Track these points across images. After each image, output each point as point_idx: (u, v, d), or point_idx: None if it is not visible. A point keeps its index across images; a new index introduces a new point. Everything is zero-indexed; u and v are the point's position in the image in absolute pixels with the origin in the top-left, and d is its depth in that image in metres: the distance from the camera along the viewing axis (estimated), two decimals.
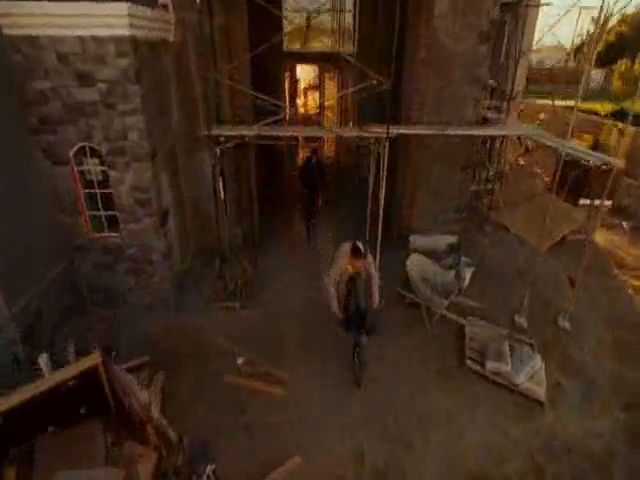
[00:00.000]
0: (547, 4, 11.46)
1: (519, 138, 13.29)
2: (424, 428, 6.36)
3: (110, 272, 7.14)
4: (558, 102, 17.03)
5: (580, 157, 7.27)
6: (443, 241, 10.00)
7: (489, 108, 9.99)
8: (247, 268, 8.21)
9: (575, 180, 10.25)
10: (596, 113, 20.17)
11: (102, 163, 6.65)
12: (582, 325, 8.49)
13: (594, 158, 7.08)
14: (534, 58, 29.65)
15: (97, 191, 6.75)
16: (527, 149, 16.08)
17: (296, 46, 16.82)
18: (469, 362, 7.24)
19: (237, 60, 7.61)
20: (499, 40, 11.09)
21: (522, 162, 15.24)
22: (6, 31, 5.90)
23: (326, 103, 15.80)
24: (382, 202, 8.19)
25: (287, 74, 15.60)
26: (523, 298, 8.46)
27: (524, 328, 8.24)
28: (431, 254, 10.01)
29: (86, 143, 6.52)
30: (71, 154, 6.51)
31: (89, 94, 6.24)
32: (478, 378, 7.12)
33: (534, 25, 13.68)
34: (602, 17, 7.49)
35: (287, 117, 7.69)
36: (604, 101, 22.77)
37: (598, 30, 8.38)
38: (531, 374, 6.99)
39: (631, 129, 14.91)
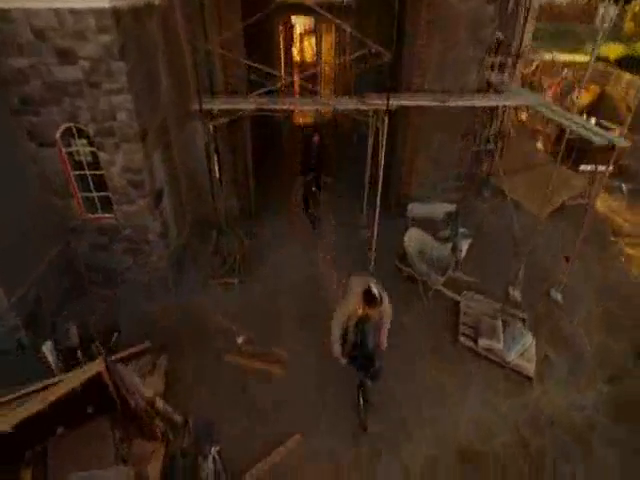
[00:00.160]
0: None
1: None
2: (418, 405, 6.68)
3: (107, 252, 7.10)
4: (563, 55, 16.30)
5: (584, 135, 7.04)
6: (441, 209, 9.92)
7: (493, 67, 9.48)
8: (244, 241, 8.18)
9: (577, 146, 10.05)
10: (605, 59, 19.28)
11: (91, 144, 6.38)
12: (574, 297, 8.66)
13: (599, 139, 6.85)
14: None
15: (87, 173, 6.54)
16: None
17: None
18: (462, 339, 7.46)
19: (228, 22, 7.09)
20: None
21: (524, 118, 14.76)
22: None
23: (323, 57, 14.92)
24: (381, 174, 8.02)
25: (281, 27, 14.58)
26: (518, 270, 8.58)
27: (518, 301, 8.40)
28: (429, 223, 10.00)
29: (72, 124, 6.21)
30: (57, 135, 6.22)
31: (71, 72, 5.84)
32: (471, 355, 7.36)
33: None
34: None
35: (283, 86, 7.28)
36: (615, 42, 21.66)
37: None
38: (522, 351, 7.23)
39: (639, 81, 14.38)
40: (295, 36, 18.45)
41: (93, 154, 6.44)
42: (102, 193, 6.75)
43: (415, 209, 9.68)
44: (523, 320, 7.90)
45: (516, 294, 8.46)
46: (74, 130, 6.29)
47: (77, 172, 6.54)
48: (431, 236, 8.66)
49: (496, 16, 8.07)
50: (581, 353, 7.69)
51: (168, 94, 7.58)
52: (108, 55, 5.77)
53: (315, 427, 6.14)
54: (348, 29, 7.27)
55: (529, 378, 7.09)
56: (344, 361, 5.70)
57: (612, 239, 10.36)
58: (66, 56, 5.76)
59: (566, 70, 16.60)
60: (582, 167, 10.66)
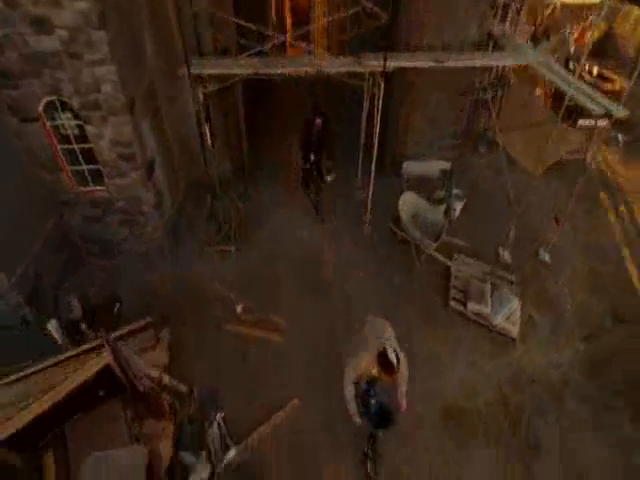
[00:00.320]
0: None
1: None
2: (409, 368, 7.12)
3: (101, 224, 7.08)
4: None
5: (582, 103, 6.88)
6: (437, 167, 9.84)
7: (495, 14, 8.92)
8: (239, 207, 8.14)
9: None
10: None
11: (76, 117, 6.11)
12: (561, 257, 8.91)
13: (597, 108, 6.69)
14: None
15: (75, 147, 6.33)
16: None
17: None
18: (453, 303, 7.78)
19: None
20: None
21: None
22: None
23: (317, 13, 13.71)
24: (376, 136, 7.84)
25: None
26: (509, 231, 8.73)
27: (507, 263, 8.64)
28: (424, 181, 9.97)
29: (55, 97, 5.90)
30: (40, 109, 5.94)
31: (49, 43, 5.44)
32: (461, 319, 7.71)
33: None
34: None
35: (275, 46, 6.84)
36: None
37: None
38: (508, 315, 7.59)
39: None
40: None
41: (80, 127, 6.20)
42: (92, 166, 6.59)
43: (410, 167, 9.60)
44: (511, 282, 8.21)
45: (506, 255, 8.69)
46: (57, 103, 6.00)
47: (64, 146, 6.33)
48: (425, 199, 8.69)
49: None
50: (563, 313, 8.10)
51: (154, 59, 7.13)
52: (87, 24, 5.36)
53: (313, 391, 6.61)
54: None
55: (513, 339, 7.53)
56: (359, 420, 5.34)
57: (603, 195, 10.47)
58: (41, 25, 5.33)
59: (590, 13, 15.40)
60: (581, 122, 10.44)
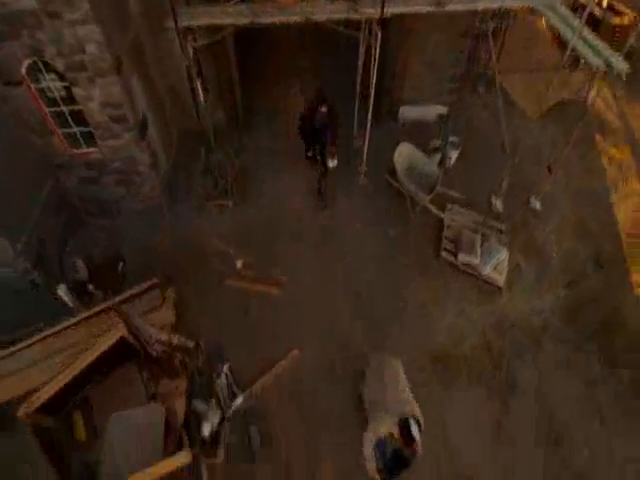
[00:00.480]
0: None
1: None
2: (401, 317, 7.58)
3: (98, 185, 7.05)
4: None
5: (582, 55, 6.64)
6: (434, 111, 9.63)
7: None
8: (235, 162, 8.04)
9: None
10: None
11: (62, 78, 5.83)
12: (552, 204, 9.08)
13: (596, 60, 6.49)
14: None
15: (64, 109, 6.11)
16: None
17: None
18: (444, 254, 8.08)
19: None
20: None
21: None
22: None
23: None
24: (373, 85, 7.57)
25: None
26: (502, 180, 8.80)
27: (499, 211, 8.83)
28: (421, 126, 9.79)
29: (36, 58, 5.59)
30: (23, 71, 5.65)
31: (24, 1, 5.06)
32: (451, 270, 8.05)
33: None
34: None
35: None
36: None
37: None
38: (495, 265, 7.94)
39: None
40: None
41: (67, 89, 5.95)
42: (84, 128, 6.42)
43: (406, 112, 9.38)
44: (500, 231, 8.47)
45: (498, 204, 8.85)
46: (40, 65, 5.70)
47: (52, 109, 6.12)
48: (421, 149, 8.63)
49: None
50: (549, 261, 8.47)
51: (138, 10, 6.62)
52: None
53: (311, 341, 7.11)
54: None
55: (499, 288, 7.97)
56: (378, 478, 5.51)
57: (599, 138, 10.39)
58: None
59: None
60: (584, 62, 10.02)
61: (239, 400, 6.37)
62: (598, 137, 10.46)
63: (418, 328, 7.48)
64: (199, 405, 6.07)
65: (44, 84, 5.93)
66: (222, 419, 6.09)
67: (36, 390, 5.36)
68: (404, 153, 8.22)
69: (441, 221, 8.43)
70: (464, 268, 7.93)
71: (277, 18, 6.37)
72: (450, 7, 7.04)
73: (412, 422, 5.34)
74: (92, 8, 5.26)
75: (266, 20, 6.35)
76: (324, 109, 7.80)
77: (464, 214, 8.51)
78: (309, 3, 6.57)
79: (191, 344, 6.35)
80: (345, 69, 9.19)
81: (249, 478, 5.92)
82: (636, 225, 9.16)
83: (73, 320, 6.01)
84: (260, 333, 6.97)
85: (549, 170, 8.61)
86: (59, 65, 5.65)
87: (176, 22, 6.10)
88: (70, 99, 6.11)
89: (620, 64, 6.68)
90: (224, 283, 7.20)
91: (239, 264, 7.31)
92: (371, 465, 5.50)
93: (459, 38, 8.29)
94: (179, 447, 4.91)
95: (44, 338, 5.85)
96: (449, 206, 8.56)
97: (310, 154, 8.31)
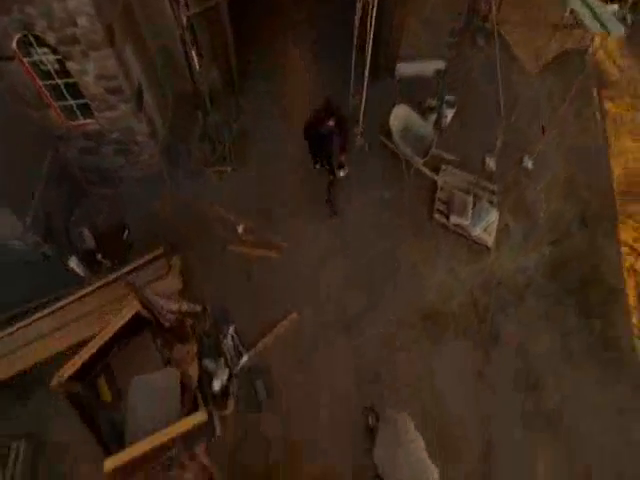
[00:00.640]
0: None
1: None
2: (394, 277, 8.01)
3: (97, 155, 7.07)
4: None
5: (579, 18, 6.52)
6: (431, 67, 9.43)
7: None
8: (232, 125, 7.97)
9: None
10: None
11: (55, 52, 5.68)
12: (544, 163, 9.23)
13: (594, 25, 6.38)
14: None
15: (59, 81, 6.00)
16: None
17: None
18: (437, 215, 8.35)
19: None
20: None
21: None
22: None
23: None
24: (370, 43, 7.38)
25: None
26: (496, 140, 8.87)
27: (492, 171, 8.99)
28: (418, 82, 9.61)
29: (27, 32, 5.41)
30: (14, 46, 5.49)
31: None
32: (443, 231, 8.35)
33: None
34: None
35: None
36: None
37: None
38: (485, 227, 8.26)
39: None
40: None
41: (60, 62, 5.82)
42: (80, 101, 6.35)
43: (403, 68, 9.20)
44: (492, 192, 8.70)
45: (491, 164, 8.99)
46: (31, 39, 5.53)
47: (47, 82, 6.01)
48: (417, 108, 8.59)
49: None
50: (536, 220, 8.80)
51: None
52: None
53: (309, 304, 7.56)
54: None
55: (488, 248, 8.37)
56: None
57: (596, 92, 10.30)
58: None
59: None
60: None
61: (245, 358, 6.96)
62: (596, 90, 10.39)
63: (410, 287, 7.95)
64: (209, 364, 6.63)
65: (36, 58, 5.79)
66: (230, 375, 6.69)
67: (56, 356, 5.96)
68: (400, 115, 8.22)
69: (435, 183, 8.63)
70: (455, 229, 8.27)
71: None
72: None
73: None
74: None
75: None
76: (332, 123, 7.24)
77: (457, 175, 8.69)
78: None
79: (198, 309, 6.80)
80: (342, 22, 8.83)
81: (256, 426, 6.67)
82: (625, 183, 9.45)
83: (85, 290, 6.39)
84: (262, 297, 7.41)
85: (543, 131, 8.68)
86: (50, 39, 5.49)
87: None
88: (64, 72, 5.99)
89: (617, 29, 6.58)
90: (227, 249, 7.51)
91: (240, 229, 7.58)
92: None
93: None
94: (195, 407, 5.50)
95: (59, 308, 6.26)
96: (443, 167, 8.71)
97: (318, 165, 7.82)
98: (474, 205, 8.31)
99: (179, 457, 5.53)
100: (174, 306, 6.00)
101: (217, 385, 6.46)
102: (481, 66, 10.09)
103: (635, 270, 8.60)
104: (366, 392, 7.01)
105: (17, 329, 6.12)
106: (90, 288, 6.34)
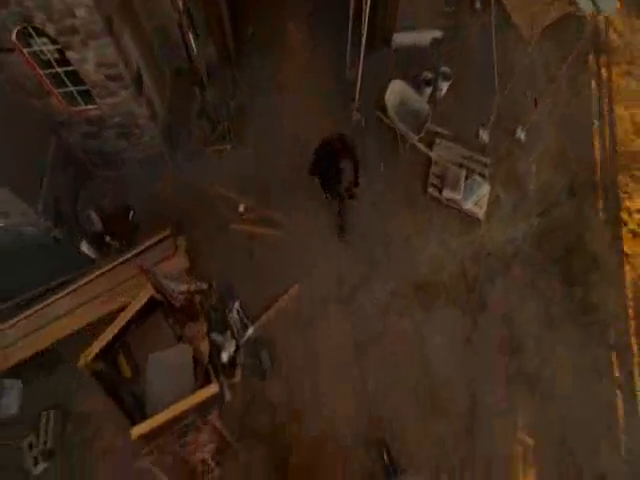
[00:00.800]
0: None
1: None
2: (388, 250, 8.40)
3: (100, 139, 7.18)
4: None
5: None
6: (428, 36, 9.34)
7: None
8: (230, 103, 7.99)
9: None
10: None
11: (54, 42, 5.68)
12: (536, 134, 9.38)
13: (587, 6, 6.40)
14: None
15: (59, 70, 6.02)
16: None
17: None
18: (430, 189, 8.63)
19: None
20: None
21: None
22: None
23: None
24: (366, 13, 7.31)
25: None
26: (491, 112, 8.98)
27: (485, 143, 9.15)
28: (415, 52, 9.52)
29: (26, 24, 5.39)
30: (13, 38, 5.49)
31: None
32: (436, 204, 8.66)
33: None
34: None
35: None
36: None
37: None
38: (476, 200, 8.56)
39: None
40: None
41: (60, 51, 5.83)
42: (81, 87, 6.39)
43: (400, 38, 9.10)
44: (484, 165, 8.92)
45: (485, 136, 9.14)
46: (30, 30, 5.52)
47: (47, 71, 6.04)
48: (413, 84, 8.62)
49: None
50: (526, 192, 9.10)
51: None
52: None
53: (309, 277, 8.00)
54: None
55: (479, 220, 8.72)
56: None
57: (592, 58, 10.26)
58: None
59: None
60: None
61: (250, 331, 7.49)
62: (592, 57, 10.36)
63: (403, 259, 8.38)
64: (217, 337, 7.15)
65: (36, 48, 5.79)
66: (237, 347, 7.24)
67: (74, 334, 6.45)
68: (396, 90, 8.28)
69: (429, 159, 8.82)
70: (448, 203, 8.58)
71: None
72: None
73: None
74: None
75: None
76: (345, 165, 7.25)
77: (451, 149, 8.88)
78: None
79: (205, 286, 7.23)
80: None
81: (261, 392, 7.30)
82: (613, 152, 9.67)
83: (98, 272, 6.77)
84: (264, 272, 7.84)
85: (535, 104, 8.79)
86: (50, 30, 5.48)
87: None
88: (64, 61, 6.00)
89: (610, 8, 6.59)
90: (229, 227, 7.83)
91: (241, 208, 7.86)
92: None
93: None
94: (207, 379, 6.06)
95: (75, 290, 6.66)
96: (437, 141, 8.88)
97: (329, 196, 7.75)
98: (466, 179, 8.58)
99: (195, 423, 6.17)
100: (183, 287, 6.42)
101: (225, 356, 7.02)
102: (478, 33, 10.00)
103: (617, 238, 9.09)
104: (363, 359, 7.63)
105: (36, 310, 6.55)
106: (102, 270, 6.72)
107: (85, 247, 6.67)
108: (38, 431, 6.34)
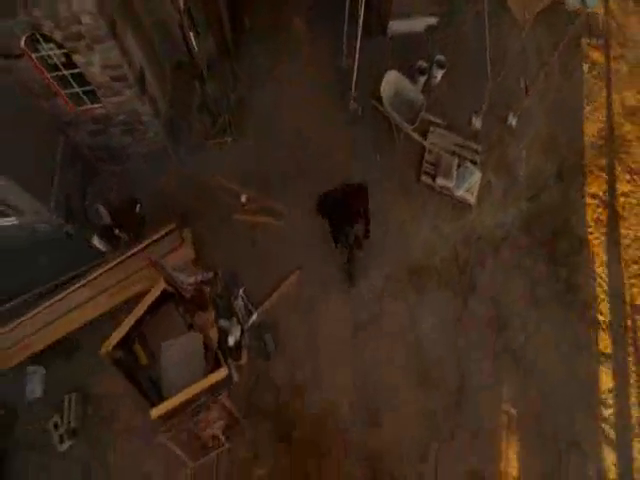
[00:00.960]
0: None
1: None
2: (383, 236, 8.77)
3: (105, 135, 7.40)
4: None
5: None
6: (423, 23, 9.43)
7: None
8: (230, 96, 8.14)
9: None
10: None
11: (61, 47, 5.83)
12: (527, 120, 9.63)
13: (574, 2, 6.58)
14: None
15: (65, 72, 6.19)
16: None
17: None
18: (424, 177, 8.95)
19: None
20: None
21: None
22: None
23: None
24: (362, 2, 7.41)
25: None
26: (484, 100, 9.19)
27: (478, 130, 9.40)
28: (410, 39, 9.61)
29: (35, 32, 5.54)
30: (22, 45, 5.64)
31: None
32: (429, 191, 9.02)
33: None
34: None
35: None
36: None
37: None
38: (468, 187, 8.90)
39: None
40: None
41: (66, 55, 5.99)
42: (87, 88, 6.57)
43: (395, 26, 9.19)
44: (476, 151, 9.20)
45: (477, 123, 9.39)
46: (38, 36, 5.66)
47: (54, 73, 6.21)
48: (408, 73, 8.79)
49: None
50: (517, 177, 9.44)
51: None
52: None
53: (309, 262, 8.40)
54: None
55: (470, 206, 9.08)
56: None
57: (584, 42, 10.37)
58: None
59: None
60: None
61: (254, 316, 7.96)
62: (584, 40, 10.49)
63: (397, 245, 8.79)
64: (223, 323, 7.62)
65: (44, 53, 5.95)
66: (242, 331, 7.72)
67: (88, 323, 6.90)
68: (391, 81, 8.49)
69: (423, 148, 9.09)
70: (440, 190, 8.92)
71: None
72: None
73: None
74: None
75: None
76: (356, 218, 7.72)
77: (445, 136, 9.15)
78: None
79: (211, 275, 7.64)
80: None
81: (266, 372, 7.83)
82: (601, 137, 9.96)
83: (110, 265, 7.14)
84: (267, 260, 8.25)
85: (526, 91, 9.00)
86: (57, 36, 5.64)
87: None
88: (70, 64, 6.16)
89: (594, 4, 6.77)
90: (232, 218, 8.17)
91: (243, 198, 8.18)
92: None
93: None
94: (217, 364, 6.56)
95: (89, 282, 7.06)
96: (431, 129, 9.14)
97: (338, 245, 8.07)
98: (459, 166, 8.89)
99: (206, 403, 6.72)
100: (191, 279, 6.83)
101: (232, 340, 7.51)
102: (472, 20, 10.08)
103: (602, 221, 9.52)
104: (360, 341, 8.15)
105: (53, 303, 6.96)
106: (112, 263, 7.09)
107: (96, 241, 7.02)
108: (62, 412, 6.89)
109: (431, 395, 7.98)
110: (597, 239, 9.14)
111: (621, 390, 8.13)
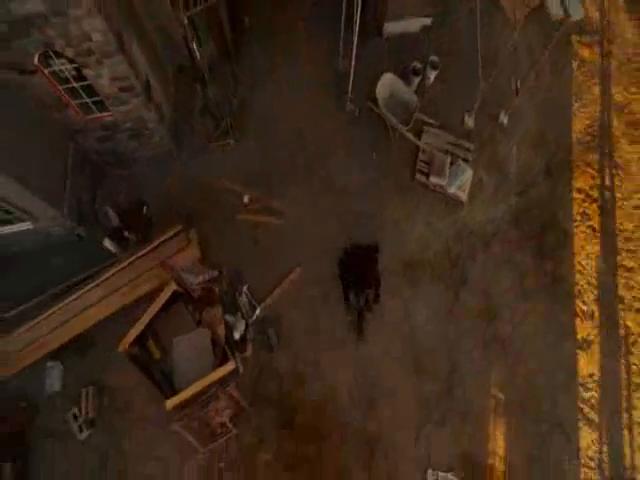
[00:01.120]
0: None
1: None
2: (381, 233, 9.16)
3: (113, 141, 7.70)
4: None
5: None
6: (417, 24, 9.67)
7: None
8: (232, 99, 8.40)
9: None
10: None
11: (72, 62, 6.10)
12: (518, 118, 9.96)
13: (555, 10, 6.89)
14: None
15: (76, 85, 6.46)
16: None
17: None
18: (418, 175, 9.32)
19: None
20: None
21: None
22: None
23: None
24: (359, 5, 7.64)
25: None
26: (476, 99, 9.50)
27: (470, 129, 9.73)
28: (406, 40, 9.85)
29: (48, 49, 5.81)
30: (36, 61, 5.91)
31: (32, 6, 5.16)
32: (423, 189, 9.40)
33: None
34: None
35: None
36: None
37: None
38: (460, 185, 9.29)
39: None
40: None
41: (77, 69, 6.27)
42: (95, 98, 6.86)
43: (390, 27, 9.44)
44: (468, 150, 9.55)
45: (470, 122, 9.71)
46: (51, 53, 5.93)
47: (66, 86, 6.50)
48: (403, 74, 9.07)
49: None
50: (507, 174, 9.82)
51: None
52: None
53: (309, 260, 8.80)
54: None
55: (462, 202, 9.48)
56: None
57: (575, 38, 10.62)
58: None
59: None
60: None
61: (258, 311, 8.40)
62: (574, 37, 10.75)
63: (392, 242, 9.20)
64: (229, 318, 8.08)
65: (55, 68, 6.21)
66: (247, 326, 8.19)
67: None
68: (386, 83, 8.78)
69: (418, 148, 9.42)
70: (434, 188, 9.31)
71: None
72: None
73: None
74: (95, 3, 5.40)
75: None
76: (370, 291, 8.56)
77: (438, 135, 9.49)
78: None
79: (216, 273, 8.05)
80: None
81: (269, 364, 8.30)
82: (588, 133, 10.33)
83: (118, 267, 7.52)
84: (269, 258, 8.66)
85: (516, 92, 9.31)
86: (69, 53, 5.91)
87: None
88: (81, 77, 6.44)
89: (577, 13, 7.06)
90: (235, 218, 8.54)
91: (246, 199, 8.53)
92: None
93: None
94: (225, 358, 7.03)
95: (102, 282, 7.44)
96: (425, 129, 9.47)
97: (350, 304, 8.65)
98: (451, 164, 9.25)
99: (215, 393, 7.20)
100: (200, 279, 7.24)
101: (237, 334, 7.98)
102: (465, 19, 10.29)
103: (587, 214, 9.96)
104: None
105: (68, 303, 7.35)
106: (124, 263, 7.47)
107: (108, 243, 7.38)
108: (80, 404, 7.38)
109: (425, 382, 8.51)
110: (582, 232, 9.58)
111: (601, 375, 8.73)
